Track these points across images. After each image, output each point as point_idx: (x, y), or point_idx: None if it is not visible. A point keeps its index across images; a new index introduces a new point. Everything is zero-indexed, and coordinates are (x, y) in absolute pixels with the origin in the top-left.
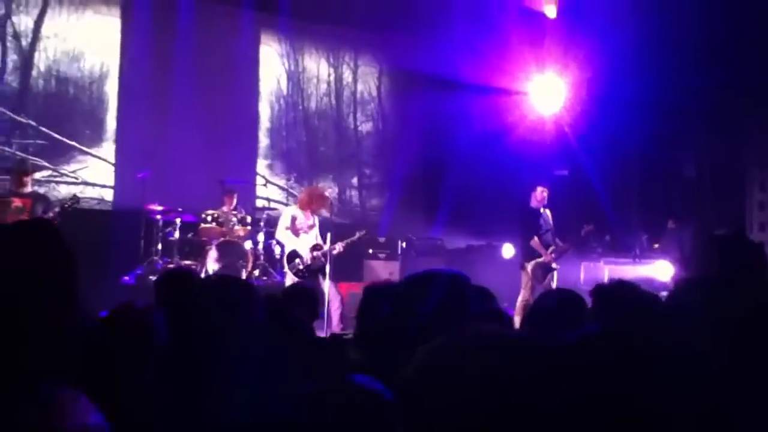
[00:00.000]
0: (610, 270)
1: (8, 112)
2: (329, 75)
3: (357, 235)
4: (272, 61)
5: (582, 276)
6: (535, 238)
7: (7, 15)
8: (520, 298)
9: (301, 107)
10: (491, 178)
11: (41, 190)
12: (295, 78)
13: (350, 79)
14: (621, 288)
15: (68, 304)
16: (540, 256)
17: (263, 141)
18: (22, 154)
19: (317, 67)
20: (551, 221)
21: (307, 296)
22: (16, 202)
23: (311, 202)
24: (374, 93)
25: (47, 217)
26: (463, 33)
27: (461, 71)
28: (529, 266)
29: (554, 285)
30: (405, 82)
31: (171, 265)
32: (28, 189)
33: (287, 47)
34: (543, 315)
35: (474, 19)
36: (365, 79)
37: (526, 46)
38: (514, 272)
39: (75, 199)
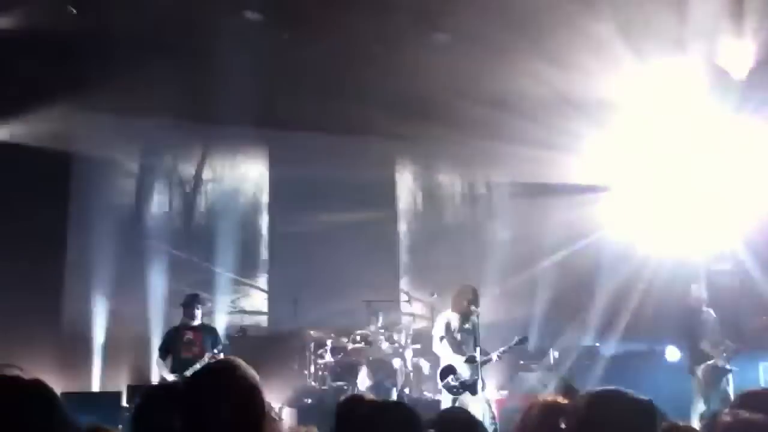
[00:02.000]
0: None
1: (173, 250)
2: (462, 189)
3: (515, 340)
4: (407, 182)
5: (762, 376)
6: (705, 341)
7: (174, 166)
8: (696, 408)
9: (438, 222)
10: (644, 278)
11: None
12: (430, 195)
13: (484, 191)
14: None
15: None
16: (711, 358)
17: (404, 258)
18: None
19: (450, 182)
20: (714, 320)
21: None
22: (188, 335)
23: (461, 299)
24: (509, 203)
25: (216, 350)
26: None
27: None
28: (700, 371)
29: (731, 389)
30: (539, 191)
31: (324, 388)
32: (198, 321)
33: (421, 168)
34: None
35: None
36: (499, 190)
37: None
38: (682, 377)
39: (242, 331)
